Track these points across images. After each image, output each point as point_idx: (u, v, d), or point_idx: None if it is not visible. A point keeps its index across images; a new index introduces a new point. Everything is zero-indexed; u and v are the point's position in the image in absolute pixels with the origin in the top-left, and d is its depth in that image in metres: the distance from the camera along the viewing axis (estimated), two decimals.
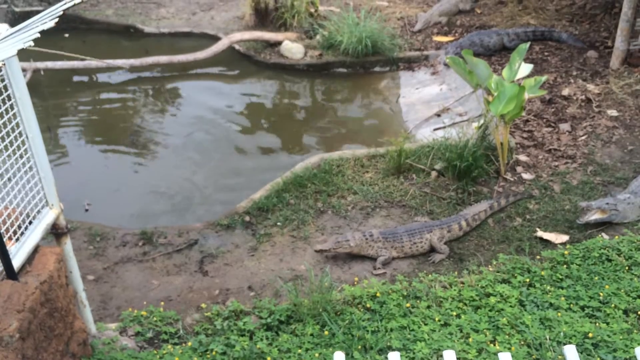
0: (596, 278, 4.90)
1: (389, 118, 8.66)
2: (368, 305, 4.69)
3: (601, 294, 4.71)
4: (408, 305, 4.66)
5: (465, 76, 6.51)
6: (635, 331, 4.31)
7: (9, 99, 3.34)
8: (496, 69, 8.98)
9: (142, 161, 7.70)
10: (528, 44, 6.45)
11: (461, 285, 4.94)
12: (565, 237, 5.65)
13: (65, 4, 2.93)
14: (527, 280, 4.93)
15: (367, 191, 6.41)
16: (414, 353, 4.15)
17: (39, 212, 3.67)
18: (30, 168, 3.56)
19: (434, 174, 6.57)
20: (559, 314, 4.50)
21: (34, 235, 3.54)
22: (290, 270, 5.41)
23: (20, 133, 3.43)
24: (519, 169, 6.70)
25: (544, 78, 6.40)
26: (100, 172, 7.43)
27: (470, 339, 4.27)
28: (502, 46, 9.61)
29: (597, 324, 4.41)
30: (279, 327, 4.56)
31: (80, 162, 7.67)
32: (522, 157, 6.88)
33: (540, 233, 5.71)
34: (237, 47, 10.43)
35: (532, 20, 10.50)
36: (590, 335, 4.21)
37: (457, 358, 4.03)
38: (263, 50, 10.32)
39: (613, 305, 4.60)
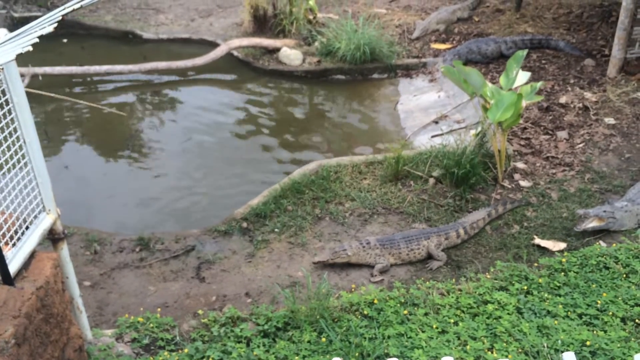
0: (594, 286, 4.90)
1: (387, 125, 8.68)
2: (365, 312, 4.67)
3: (599, 301, 4.71)
4: (405, 312, 4.65)
5: (461, 85, 6.53)
6: (632, 339, 4.31)
7: (7, 104, 3.34)
8: (494, 76, 9.01)
9: (139, 167, 7.69)
10: (525, 51, 6.48)
11: (459, 292, 4.93)
12: (562, 245, 5.65)
13: (64, 9, 2.93)
14: (525, 287, 4.92)
15: (364, 198, 6.41)
16: None
17: (35, 217, 3.65)
18: (28, 173, 3.55)
19: (431, 181, 6.58)
20: (557, 322, 4.49)
21: (31, 240, 3.52)
22: (288, 276, 5.40)
23: (17, 138, 3.42)
24: (516, 176, 6.71)
25: (539, 84, 6.42)
26: (97, 177, 7.42)
27: (467, 347, 4.26)
28: (500, 54, 9.65)
29: (595, 332, 4.41)
30: (276, 333, 4.54)
31: (77, 167, 7.65)
32: (520, 165, 6.89)
33: (537, 240, 5.72)
34: (235, 53, 10.45)
35: (530, 28, 10.54)
36: (587, 343, 4.21)
37: None
38: (261, 56, 10.35)
39: (611, 313, 4.59)
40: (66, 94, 9.52)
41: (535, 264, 5.34)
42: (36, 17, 3.12)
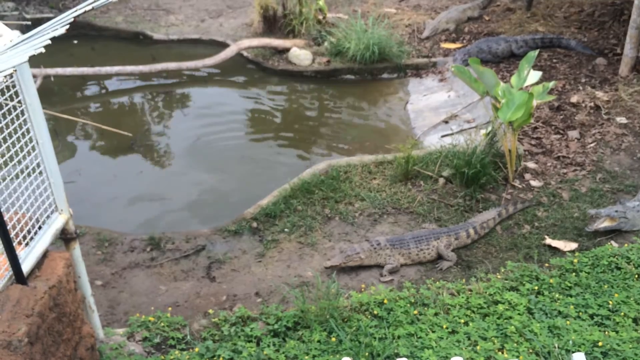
0: (605, 286, 4.87)
1: (397, 125, 8.67)
2: (375, 312, 4.67)
3: (610, 302, 4.68)
4: (415, 312, 4.64)
5: (472, 84, 6.51)
6: None
7: (20, 105, 3.37)
8: (504, 76, 8.97)
9: (149, 167, 7.73)
10: (537, 52, 6.44)
11: (469, 292, 4.92)
12: (574, 245, 5.62)
13: (76, 11, 2.95)
14: (536, 288, 4.90)
15: (374, 198, 6.40)
16: None
17: (48, 217, 3.69)
18: (40, 173, 3.59)
19: (441, 180, 6.56)
20: (568, 322, 4.47)
21: (43, 240, 3.56)
22: (298, 276, 5.41)
23: (30, 139, 3.46)
24: (527, 176, 6.68)
25: (551, 84, 6.38)
26: (108, 177, 7.46)
27: (478, 347, 4.25)
28: (511, 53, 9.59)
29: (607, 333, 4.38)
30: (286, 333, 4.56)
31: (88, 167, 7.70)
32: (531, 164, 6.86)
33: (548, 241, 5.69)
34: (245, 53, 10.47)
35: (541, 27, 10.48)
36: (599, 343, 4.18)
37: None
38: (271, 57, 10.36)
39: (622, 313, 4.56)
40: (76, 97, 9.60)
41: (546, 264, 5.31)
42: (48, 19, 3.14)
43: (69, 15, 2.94)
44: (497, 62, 9.48)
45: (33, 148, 3.49)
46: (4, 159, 3.22)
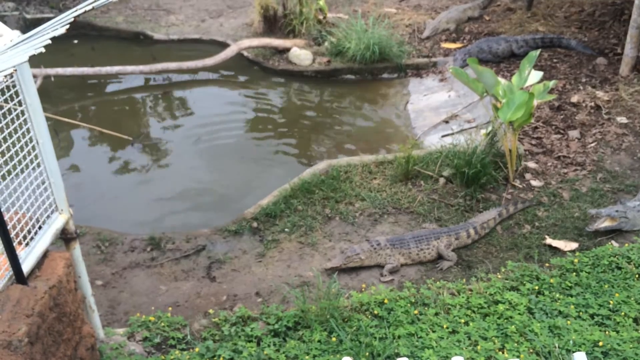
0: (606, 286, 4.87)
1: (397, 124, 8.66)
2: (376, 312, 4.67)
3: (611, 302, 4.67)
4: (416, 312, 4.64)
5: (470, 85, 6.50)
6: None
7: (20, 105, 3.37)
8: (505, 76, 8.96)
9: (150, 167, 7.73)
10: (538, 52, 6.43)
11: (469, 292, 4.92)
12: (574, 245, 5.62)
13: (76, 11, 2.95)
14: (536, 287, 4.90)
15: (374, 198, 6.40)
16: None
17: (48, 217, 3.69)
18: (41, 173, 3.59)
19: (442, 180, 6.56)
20: (568, 322, 4.47)
21: (44, 240, 3.56)
22: (298, 276, 5.41)
23: (30, 139, 3.46)
24: (527, 176, 6.68)
25: (552, 83, 6.37)
26: (107, 177, 7.47)
27: (478, 347, 4.25)
28: (511, 53, 9.59)
29: (607, 333, 4.37)
30: (287, 333, 4.56)
31: (88, 167, 7.71)
32: (531, 164, 6.85)
33: (549, 240, 5.68)
34: (245, 53, 10.47)
35: (541, 27, 10.47)
36: (600, 343, 4.18)
37: None
38: (271, 57, 10.36)
39: (623, 313, 4.56)
40: (76, 97, 9.60)
41: (547, 264, 5.31)
42: (48, 19, 3.14)
43: (69, 15, 2.94)
44: (497, 62, 9.48)
45: (33, 148, 3.49)
46: (4, 158, 3.22)
